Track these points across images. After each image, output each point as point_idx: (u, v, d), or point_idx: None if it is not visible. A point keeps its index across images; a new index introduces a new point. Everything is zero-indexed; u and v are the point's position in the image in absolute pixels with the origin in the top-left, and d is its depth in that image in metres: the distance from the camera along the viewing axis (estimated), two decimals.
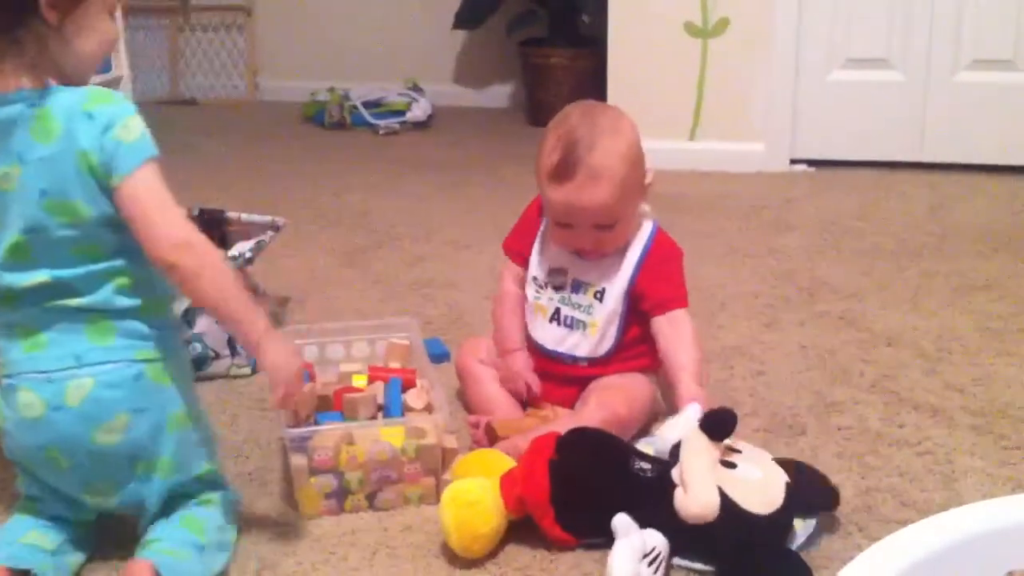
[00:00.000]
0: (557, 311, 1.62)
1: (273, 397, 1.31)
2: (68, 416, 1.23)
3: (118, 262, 1.25)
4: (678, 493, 1.27)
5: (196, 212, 2.00)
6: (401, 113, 3.73)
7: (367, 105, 3.76)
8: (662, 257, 1.60)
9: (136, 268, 1.26)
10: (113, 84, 2.75)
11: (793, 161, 3.12)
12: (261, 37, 4.23)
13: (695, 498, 1.25)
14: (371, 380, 1.61)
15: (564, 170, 1.51)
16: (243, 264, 1.87)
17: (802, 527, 1.32)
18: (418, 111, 3.73)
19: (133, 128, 1.22)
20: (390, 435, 1.44)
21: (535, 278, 1.64)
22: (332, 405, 1.54)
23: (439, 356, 1.86)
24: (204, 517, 1.32)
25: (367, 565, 1.33)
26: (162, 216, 1.22)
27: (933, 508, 1.39)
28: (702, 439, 1.31)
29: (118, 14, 2.63)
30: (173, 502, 1.32)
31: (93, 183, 1.21)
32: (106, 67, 2.66)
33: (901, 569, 0.94)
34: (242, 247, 1.88)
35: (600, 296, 1.59)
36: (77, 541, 1.33)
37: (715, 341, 1.96)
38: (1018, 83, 2.95)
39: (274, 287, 2.14)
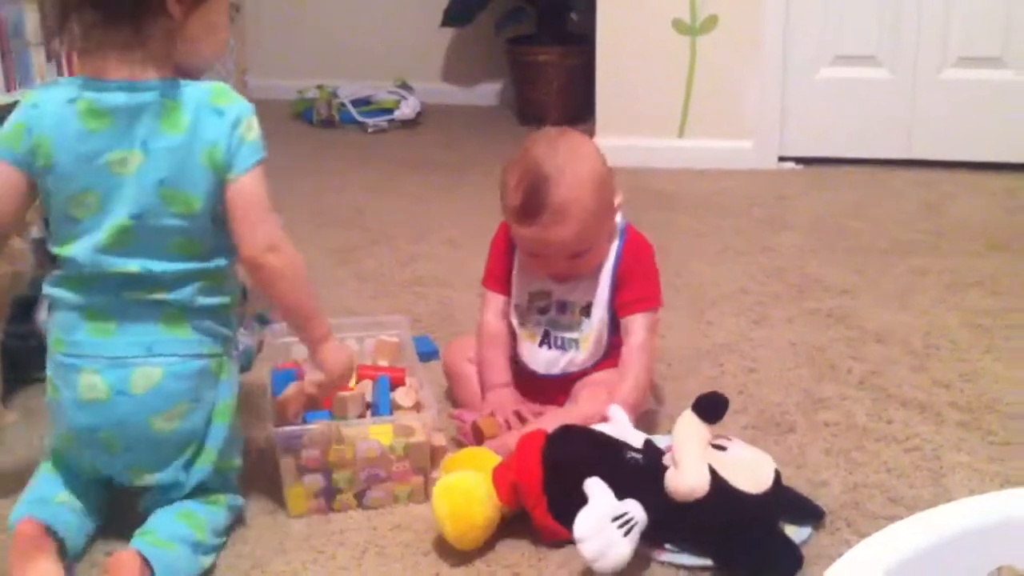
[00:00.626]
0: (546, 334, 1.61)
1: (321, 391, 1.43)
2: (131, 402, 1.27)
3: (209, 263, 1.31)
4: (669, 471, 1.28)
5: None
6: (390, 111, 3.73)
7: (356, 103, 3.75)
8: (634, 259, 1.59)
9: (223, 271, 1.33)
10: None
11: (781, 159, 3.12)
12: (250, 35, 4.21)
13: (685, 475, 1.26)
14: (360, 378, 1.60)
15: (529, 210, 1.49)
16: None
17: (793, 534, 1.32)
18: (407, 109, 3.72)
19: (254, 128, 1.30)
20: (379, 433, 1.43)
21: (517, 305, 1.62)
22: (321, 403, 1.54)
23: (428, 354, 1.86)
24: (206, 516, 1.33)
25: (356, 564, 1.32)
26: (262, 217, 1.30)
27: (921, 504, 1.39)
28: (694, 420, 1.32)
29: None
30: (195, 492, 1.35)
31: (212, 176, 1.27)
32: None
33: (889, 566, 0.94)
34: None
35: (587, 311, 1.59)
36: (96, 505, 1.36)
37: (705, 338, 1.96)
38: (1006, 80, 2.96)
39: None
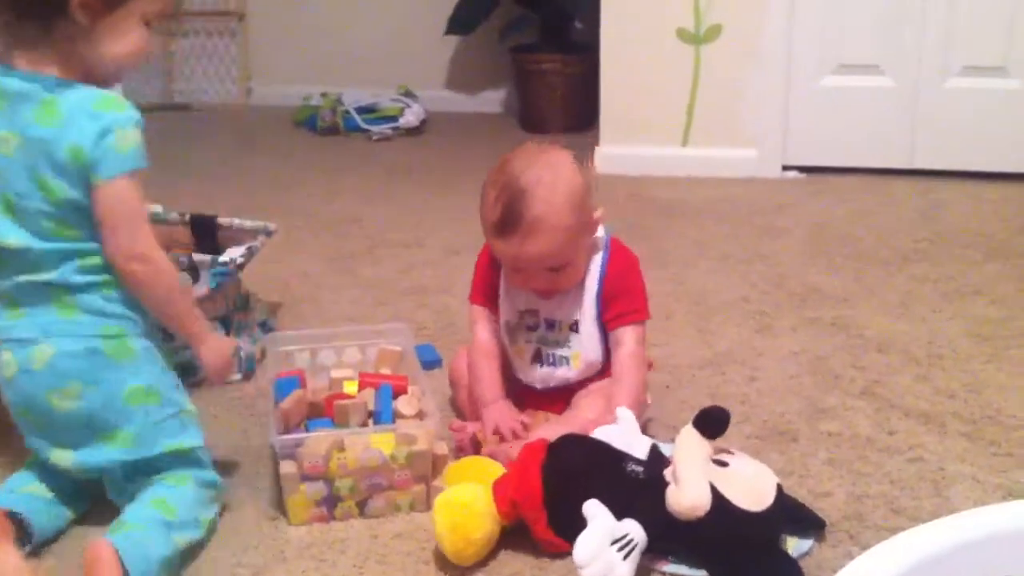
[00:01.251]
0: (537, 352, 1.61)
1: (209, 382, 1.54)
2: (32, 379, 1.35)
3: (85, 244, 1.34)
4: (670, 488, 1.27)
5: (187, 218, 2.00)
6: (394, 119, 3.73)
7: (360, 111, 3.75)
8: (618, 272, 1.58)
9: (102, 251, 1.35)
10: None
11: (785, 167, 3.12)
12: (254, 42, 4.22)
13: (686, 493, 1.25)
14: (362, 386, 1.60)
15: (506, 224, 1.49)
16: (235, 270, 1.86)
17: (795, 546, 1.32)
18: (411, 117, 3.72)
19: (128, 138, 1.32)
20: (381, 442, 1.43)
21: (507, 323, 1.62)
22: (323, 412, 1.54)
23: (431, 363, 1.86)
24: (175, 496, 1.38)
25: (357, 573, 1.32)
26: (127, 227, 1.33)
27: (924, 515, 1.39)
28: (695, 436, 1.32)
29: None
30: (140, 477, 1.39)
31: (76, 174, 1.31)
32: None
33: None
34: (233, 252, 1.87)
35: (575, 327, 1.58)
36: (70, 496, 1.43)
37: (707, 347, 1.96)
38: (1008, 89, 2.96)
39: (266, 293, 2.14)
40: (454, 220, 2.74)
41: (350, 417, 1.52)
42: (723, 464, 1.31)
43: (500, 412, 1.56)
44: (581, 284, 1.57)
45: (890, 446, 1.59)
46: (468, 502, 1.31)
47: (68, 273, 1.34)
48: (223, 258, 1.85)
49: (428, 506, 1.41)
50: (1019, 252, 2.44)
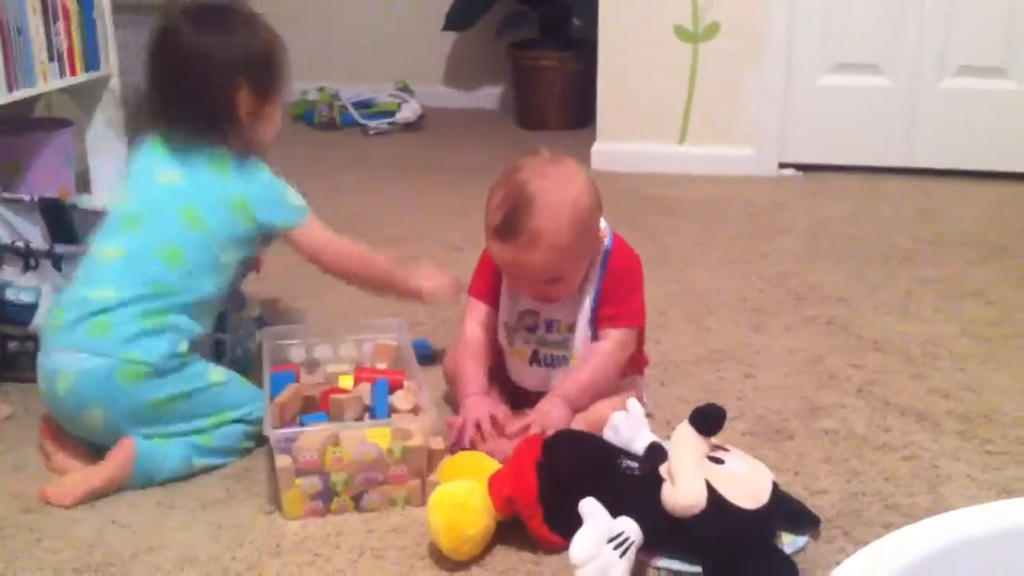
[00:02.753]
0: (535, 353, 1.60)
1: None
2: None
3: None
4: (666, 486, 1.27)
5: None
6: (391, 114, 3.73)
7: (357, 106, 3.75)
8: (617, 275, 1.57)
9: None
10: (102, 83, 2.74)
11: (782, 165, 3.12)
12: None
13: (682, 490, 1.25)
14: (358, 381, 1.60)
15: (506, 230, 1.48)
16: None
17: (790, 542, 1.32)
18: (408, 112, 3.73)
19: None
20: (376, 436, 1.43)
21: (506, 324, 1.62)
22: (318, 406, 1.54)
23: (427, 357, 1.85)
24: (217, 432, 1.54)
25: (352, 567, 1.32)
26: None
27: (918, 513, 1.39)
28: (690, 433, 1.31)
29: (106, 11, 2.67)
30: None
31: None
32: (95, 65, 2.68)
33: (889, 574, 0.93)
34: None
35: (572, 328, 1.58)
36: None
37: (703, 345, 1.96)
38: (1005, 90, 2.97)
39: (262, 288, 2.13)
40: (451, 216, 2.74)
41: (346, 412, 1.52)
42: (719, 461, 1.31)
43: (474, 405, 1.56)
44: (582, 285, 1.56)
45: (885, 444, 1.59)
46: (462, 500, 1.31)
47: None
48: None
49: (424, 501, 1.41)
50: (1016, 252, 2.44)
